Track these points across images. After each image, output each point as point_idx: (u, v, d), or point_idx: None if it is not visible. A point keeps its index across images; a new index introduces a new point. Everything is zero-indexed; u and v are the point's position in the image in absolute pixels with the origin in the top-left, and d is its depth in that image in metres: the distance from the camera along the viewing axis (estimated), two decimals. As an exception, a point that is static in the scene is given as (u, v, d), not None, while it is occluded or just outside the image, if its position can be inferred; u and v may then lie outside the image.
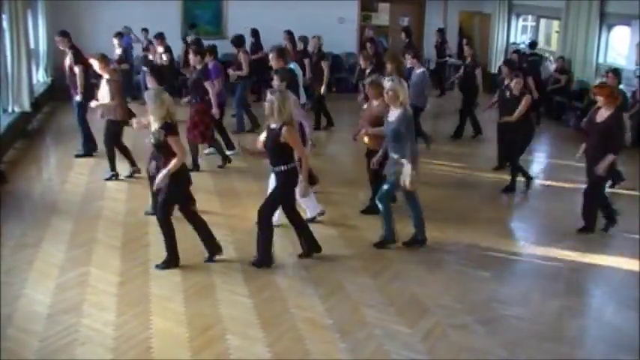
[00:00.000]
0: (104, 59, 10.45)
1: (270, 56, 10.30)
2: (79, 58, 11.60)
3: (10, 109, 12.82)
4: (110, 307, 6.65)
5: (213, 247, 7.70)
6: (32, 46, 14.53)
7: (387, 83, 7.91)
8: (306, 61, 14.18)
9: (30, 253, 7.84)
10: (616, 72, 11.08)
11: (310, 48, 14.72)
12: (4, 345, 5.94)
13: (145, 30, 16.12)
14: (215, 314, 6.55)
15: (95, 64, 10.44)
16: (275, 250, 7.90)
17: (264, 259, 7.58)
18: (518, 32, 20.22)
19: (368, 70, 12.01)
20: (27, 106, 13.04)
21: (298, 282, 7.30)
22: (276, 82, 8.82)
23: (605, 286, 7.61)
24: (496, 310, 6.82)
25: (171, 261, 7.52)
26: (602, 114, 8.47)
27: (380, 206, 8.15)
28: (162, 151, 7.28)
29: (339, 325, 6.40)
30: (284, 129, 7.22)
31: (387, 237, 8.21)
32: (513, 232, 9.29)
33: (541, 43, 19.39)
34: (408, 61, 12.66)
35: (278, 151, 7.36)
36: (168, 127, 7.18)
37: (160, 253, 7.80)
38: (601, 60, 16.06)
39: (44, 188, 10.30)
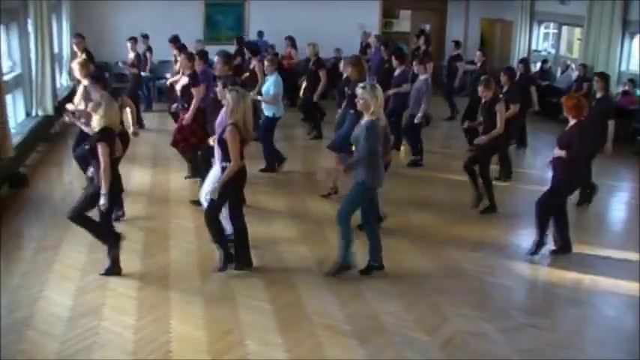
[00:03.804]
0: (86, 64, 9.97)
1: (215, 60, 10.00)
2: (93, 60, 11.81)
3: (33, 113, 12.91)
4: (130, 310, 6.69)
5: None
6: (56, 50, 14.63)
7: (358, 90, 7.38)
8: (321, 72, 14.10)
9: (50, 256, 7.90)
10: (602, 75, 10.75)
11: (307, 55, 14.81)
12: (23, 347, 6.00)
13: (145, 36, 16.13)
14: (234, 319, 6.56)
15: (76, 68, 9.84)
16: (289, 257, 8.02)
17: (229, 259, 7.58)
18: (540, 39, 20.13)
19: (345, 75, 11.55)
20: (50, 110, 13.12)
21: (317, 288, 7.29)
22: (218, 88, 8.42)
23: (623, 296, 7.50)
24: (515, 318, 6.79)
25: (114, 268, 7.44)
26: (570, 124, 8.19)
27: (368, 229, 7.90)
28: (93, 155, 7.14)
29: (357, 331, 6.39)
30: (228, 127, 7.21)
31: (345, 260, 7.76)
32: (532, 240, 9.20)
33: (563, 51, 19.34)
34: (415, 67, 12.60)
35: (222, 147, 7.32)
36: (103, 134, 7.07)
37: (181, 258, 7.90)
38: (623, 68, 15.99)
39: (65, 192, 10.35)
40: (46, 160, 11.92)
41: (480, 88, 9.74)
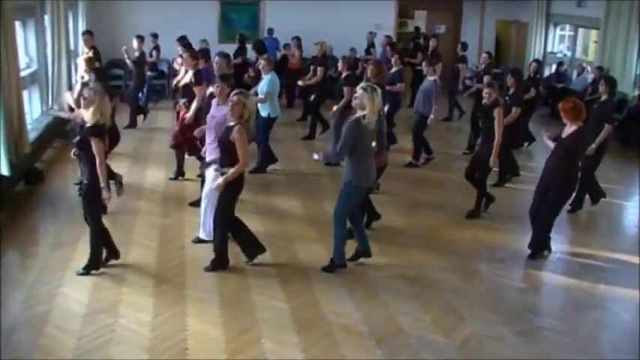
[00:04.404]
0: (91, 61, 10.13)
1: (216, 59, 10.00)
2: (99, 57, 12.16)
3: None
4: (146, 307, 6.70)
5: (112, 251, 7.62)
6: (72, 47, 14.67)
7: (358, 90, 7.34)
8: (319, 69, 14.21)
9: (66, 252, 7.92)
10: (608, 79, 10.73)
11: (315, 54, 14.87)
12: (41, 342, 6.03)
13: (154, 35, 16.17)
14: (250, 318, 6.57)
15: (81, 64, 9.90)
16: (305, 257, 8.04)
17: (220, 262, 7.59)
18: (556, 42, 20.06)
19: (344, 74, 11.85)
20: (66, 107, 13.14)
21: (333, 288, 7.28)
22: (218, 86, 8.41)
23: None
24: (531, 321, 6.77)
25: (93, 265, 7.43)
26: (567, 130, 8.08)
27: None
28: (83, 148, 7.13)
29: (374, 332, 6.39)
30: (236, 127, 7.17)
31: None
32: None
33: (578, 53, 19.26)
34: (424, 67, 12.57)
35: (228, 151, 7.26)
36: (95, 129, 7.06)
37: (197, 255, 7.89)
38: None
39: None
40: (61, 157, 11.91)
41: (486, 90, 9.65)
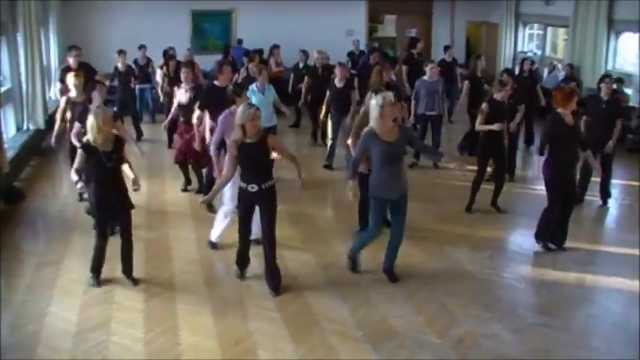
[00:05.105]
0: (82, 78, 9.98)
1: (224, 70, 9.78)
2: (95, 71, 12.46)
3: (24, 127, 12.83)
4: (138, 323, 6.63)
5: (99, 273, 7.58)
6: (45, 63, 14.53)
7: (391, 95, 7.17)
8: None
9: (52, 271, 7.82)
10: (611, 78, 10.87)
11: (314, 63, 14.76)
12: (34, 363, 5.94)
13: (143, 47, 16.04)
14: (244, 328, 6.53)
15: (75, 84, 9.73)
16: (293, 264, 8.03)
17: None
18: (525, 41, 20.26)
19: (345, 81, 12.09)
20: (41, 124, 13.03)
21: (325, 295, 7.27)
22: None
23: (627, 292, 7.50)
24: (525, 318, 6.81)
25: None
26: (568, 118, 8.16)
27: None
28: (117, 162, 7.42)
29: (369, 336, 6.38)
30: (270, 138, 7.07)
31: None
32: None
33: (548, 51, 19.46)
34: (430, 70, 12.61)
35: (266, 164, 7.14)
36: (121, 140, 7.53)
37: (184, 268, 7.87)
38: (610, 67, 16.05)
39: (62, 205, 10.24)
40: (40, 175, 11.83)
41: (502, 90, 9.88)
